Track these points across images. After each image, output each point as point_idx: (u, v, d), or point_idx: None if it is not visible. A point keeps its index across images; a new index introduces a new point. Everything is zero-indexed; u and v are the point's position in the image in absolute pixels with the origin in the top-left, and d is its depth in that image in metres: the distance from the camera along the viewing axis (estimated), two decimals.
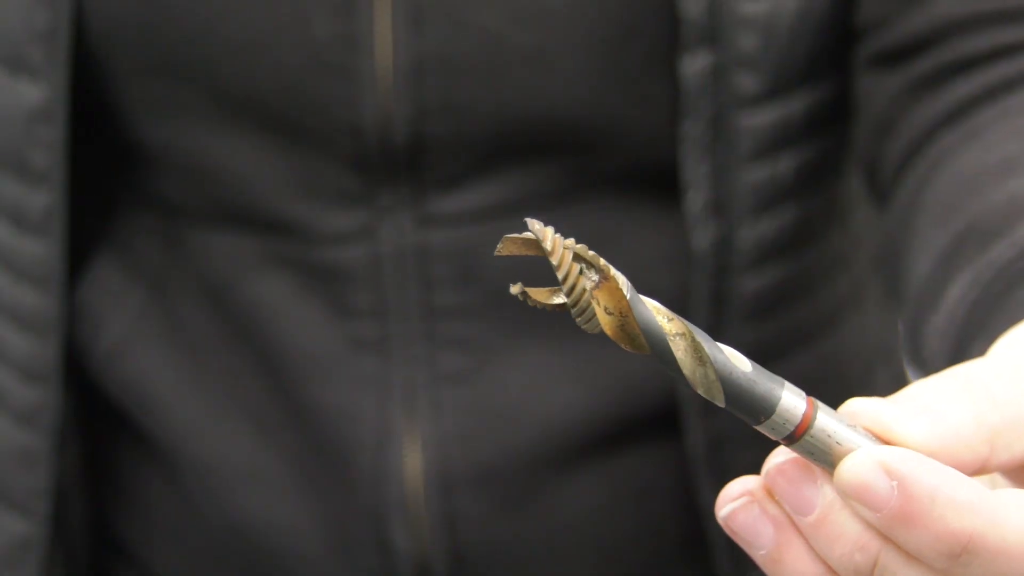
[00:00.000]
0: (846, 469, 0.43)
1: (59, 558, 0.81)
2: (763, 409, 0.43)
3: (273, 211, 0.76)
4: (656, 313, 0.44)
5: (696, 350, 0.44)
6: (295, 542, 0.78)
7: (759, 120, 0.74)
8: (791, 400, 0.44)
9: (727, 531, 0.46)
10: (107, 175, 0.80)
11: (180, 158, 0.76)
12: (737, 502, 0.46)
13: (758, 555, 0.46)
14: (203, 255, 0.78)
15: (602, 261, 0.43)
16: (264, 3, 0.72)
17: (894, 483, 0.42)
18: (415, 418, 0.76)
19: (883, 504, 0.42)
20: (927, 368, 0.63)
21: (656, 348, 0.43)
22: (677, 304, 0.77)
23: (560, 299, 0.44)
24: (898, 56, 0.73)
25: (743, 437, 0.78)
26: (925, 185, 0.69)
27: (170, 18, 0.73)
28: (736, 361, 0.44)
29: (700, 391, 0.44)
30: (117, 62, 0.75)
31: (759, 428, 0.44)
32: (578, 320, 0.43)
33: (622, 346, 0.44)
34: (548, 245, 0.43)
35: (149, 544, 0.82)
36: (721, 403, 0.44)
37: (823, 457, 0.44)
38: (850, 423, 0.44)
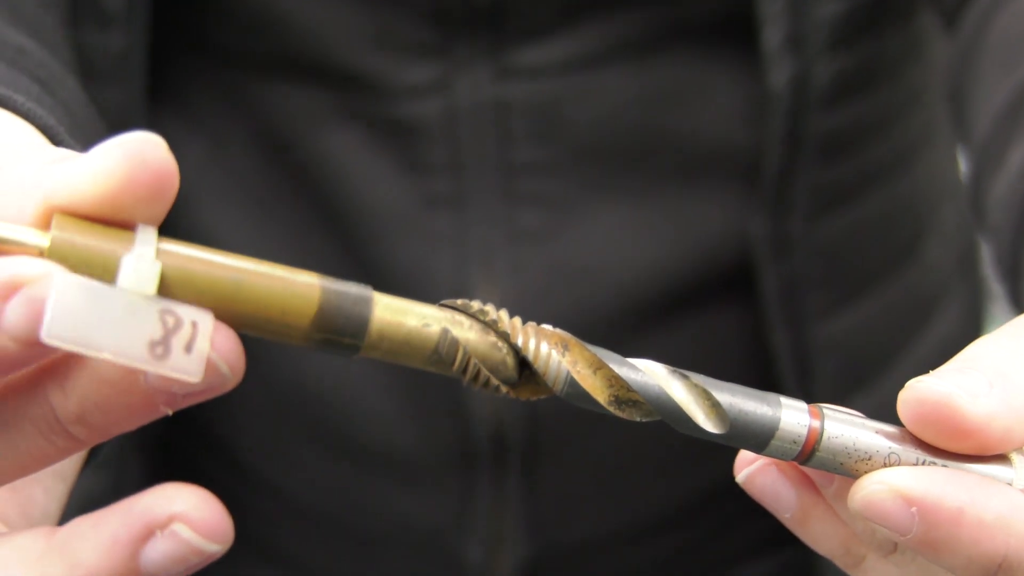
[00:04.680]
0: (860, 498, 0.39)
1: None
2: (765, 432, 0.40)
3: (344, 63, 0.73)
4: (626, 366, 0.41)
5: (692, 387, 0.41)
6: (367, 405, 0.76)
7: None
8: (793, 417, 0.40)
9: (749, 494, 0.43)
10: (163, 21, 0.75)
11: (248, 5, 0.72)
12: (753, 465, 0.43)
13: (783, 518, 0.43)
14: (267, 108, 0.75)
15: (551, 329, 0.41)
16: None
17: (913, 509, 0.38)
18: (493, 277, 0.73)
19: (904, 531, 0.39)
20: (992, 237, 0.61)
21: (650, 397, 0.41)
22: (752, 151, 0.74)
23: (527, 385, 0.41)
24: None
25: (816, 278, 0.76)
26: (988, 20, 0.67)
27: None
28: (723, 387, 0.41)
29: (700, 429, 0.41)
30: None
31: (764, 454, 0.41)
32: (567, 396, 0.40)
33: (612, 411, 0.41)
34: (520, 338, 0.40)
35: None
36: (722, 434, 0.41)
37: (843, 471, 0.41)
38: (859, 422, 0.41)
